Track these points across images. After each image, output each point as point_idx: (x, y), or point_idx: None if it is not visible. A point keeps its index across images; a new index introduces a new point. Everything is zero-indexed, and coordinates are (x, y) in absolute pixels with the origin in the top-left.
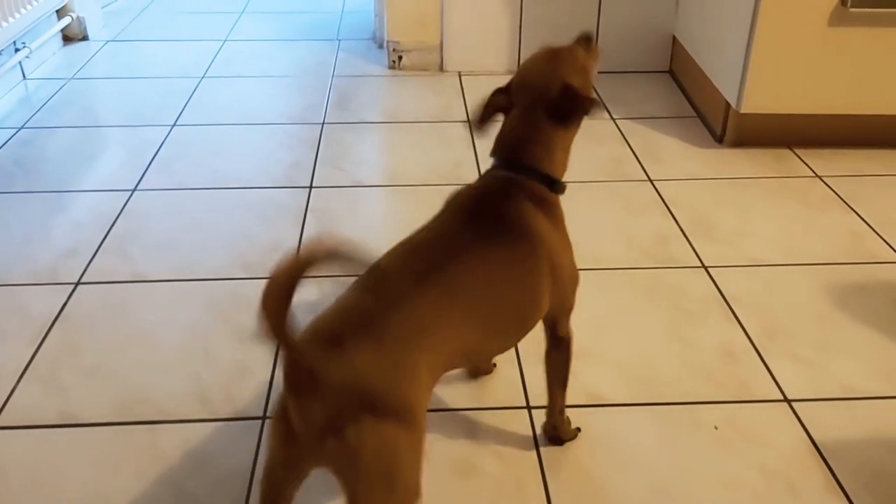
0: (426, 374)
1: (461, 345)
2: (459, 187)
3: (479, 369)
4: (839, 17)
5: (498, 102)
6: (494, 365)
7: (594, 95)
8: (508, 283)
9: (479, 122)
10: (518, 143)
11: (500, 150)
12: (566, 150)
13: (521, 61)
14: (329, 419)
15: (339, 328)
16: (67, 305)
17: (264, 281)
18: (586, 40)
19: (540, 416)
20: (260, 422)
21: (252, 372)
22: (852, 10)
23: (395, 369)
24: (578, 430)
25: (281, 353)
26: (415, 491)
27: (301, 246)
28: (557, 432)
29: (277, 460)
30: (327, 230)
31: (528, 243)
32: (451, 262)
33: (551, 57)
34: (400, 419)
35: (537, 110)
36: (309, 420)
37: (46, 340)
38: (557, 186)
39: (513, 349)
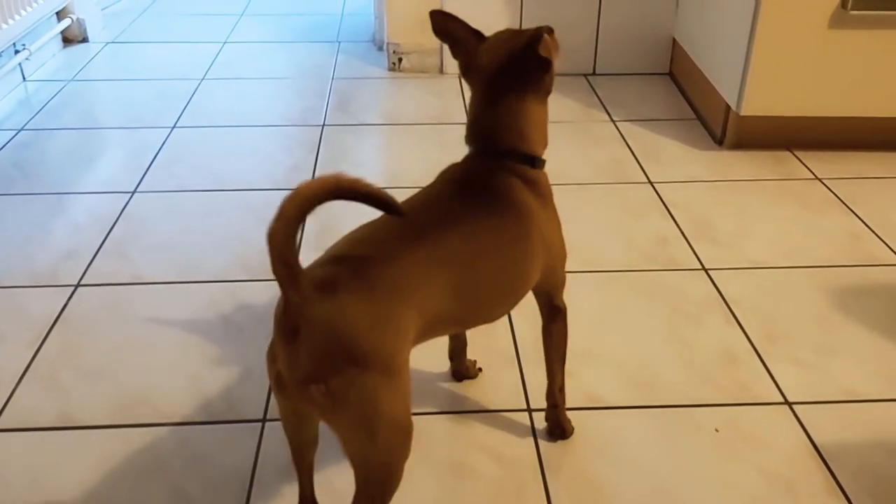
0: (412, 329)
1: (444, 308)
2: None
3: (464, 372)
4: (839, 20)
5: (459, 33)
6: (480, 370)
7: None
8: (498, 253)
9: (438, 31)
10: (491, 129)
11: (475, 137)
12: (540, 130)
13: None
14: (314, 367)
15: (333, 275)
16: (67, 307)
17: (264, 283)
18: (548, 30)
19: (540, 419)
20: (259, 424)
21: (251, 374)
22: (852, 12)
23: (384, 320)
24: (573, 428)
25: (280, 292)
26: (402, 434)
27: (324, 174)
28: (559, 413)
29: (281, 405)
30: (328, 232)
31: (516, 216)
32: (444, 226)
33: (518, 31)
34: (383, 371)
35: (498, 81)
36: (294, 365)
37: (46, 342)
38: (538, 163)
39: (513, 351)
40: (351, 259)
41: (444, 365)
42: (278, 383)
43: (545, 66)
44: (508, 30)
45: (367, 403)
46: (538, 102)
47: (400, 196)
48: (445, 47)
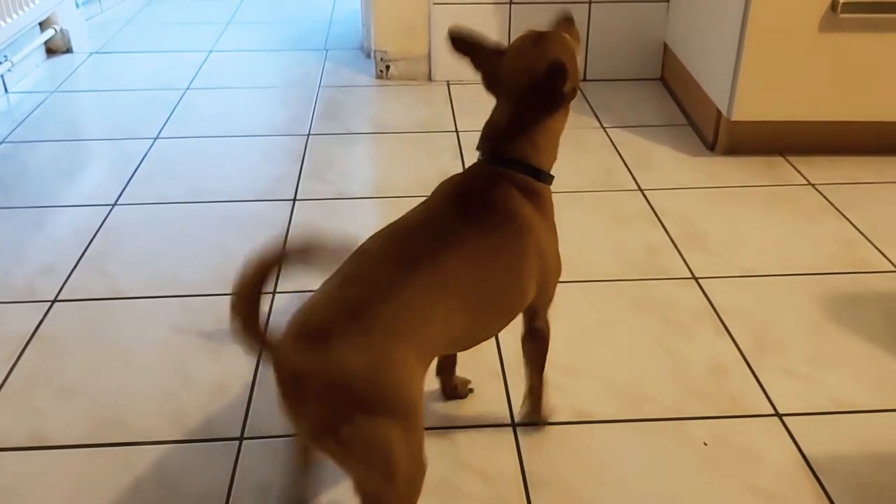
0: (416, 363)
1: (450, 332)
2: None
3: (455, 392)
4: (829, 23)
5: (485, 52)
6: (471, 390)
7: (580, 79)
8: (496, 270)
9: (458, 49)
10: (503, 136)
11: (486, 143)
12: (553, 142)
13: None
14: (322, 421)
15: (325, 322)
16: (43, 324)
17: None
18: (568, 22)
19: (527, 435)
20: (237, 443)
21: (230, 391)
22: (842, 15)
23: (385, 363)
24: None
25: (265, 355)
26: (417, 474)
27: (270, 244)
28: (534, 412)
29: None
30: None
31: (515, 230)
32: (440, 248)
33: (539, 37)
34: (392, 413)
35: (523, 96)
36: (303, 422)
37: (20, 360)
38: (544, 177)
39: (498, 366)
40: (344, 299)
41: (429, 382)
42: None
43: (567, 96)
44: (530, 34)
45: (380, 449)
46: (562, 112)
47: (386, 207)
48: (433, 54)
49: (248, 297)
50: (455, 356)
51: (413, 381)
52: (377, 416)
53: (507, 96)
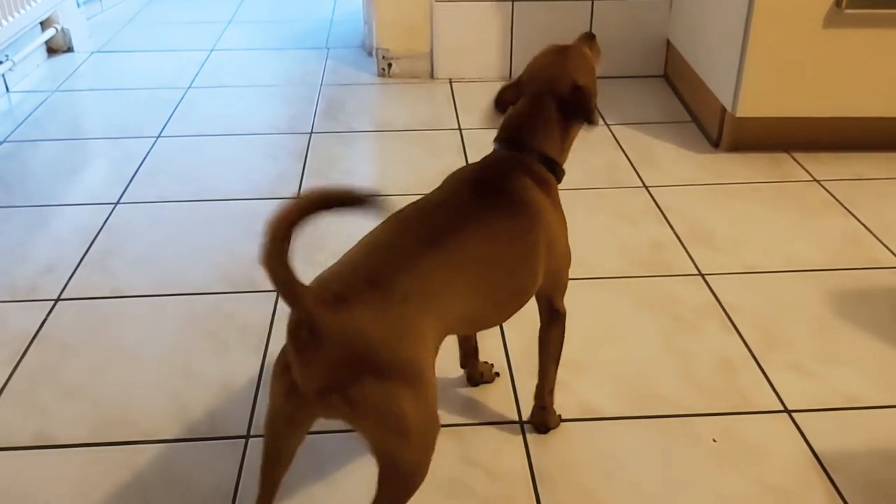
0: (430, 333)
1: (463, 311)
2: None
3: (482, 378)
4: (834, 19)
5: (508, 96)
6: (497, 374)
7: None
8: (510, 253)
9: (494, 118)
10: (521, 125)
11: (504, 131)
12: (569, 143)
13: (514, 68)
14: (331, 378)
15: (347, 285)
16: (46, 322)
17: (249, 295)
18: (590, 38)
19: (534, 432)
20: (243, 441)
21: (235, 388)
22: (847, 11)
23: (399, 328)
24: (560, 416)
25: (288, 308)
26: (430, 435)
27: (303, 191)
28: (545, 414)
29: (279, 413)
30: (309, 246)
31: (528, 216)
32: (459, 229)
33: (560, 53)
34: (403, 378)
35: (545, 97)
36: (311, 377)
37: (24, 359)
38: (557, 169)
39: (505, 363)
40: (366, 267)
41: (453, 370)
42: (291, 391)
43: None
44: (553, 47)
45: (390, 410)
46: (576, 122)
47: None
48: (435, 52)
49: (283, 236)
50: (476, 346)
51: (426, 349)
52: (386, 380)
53: (528, 97)
